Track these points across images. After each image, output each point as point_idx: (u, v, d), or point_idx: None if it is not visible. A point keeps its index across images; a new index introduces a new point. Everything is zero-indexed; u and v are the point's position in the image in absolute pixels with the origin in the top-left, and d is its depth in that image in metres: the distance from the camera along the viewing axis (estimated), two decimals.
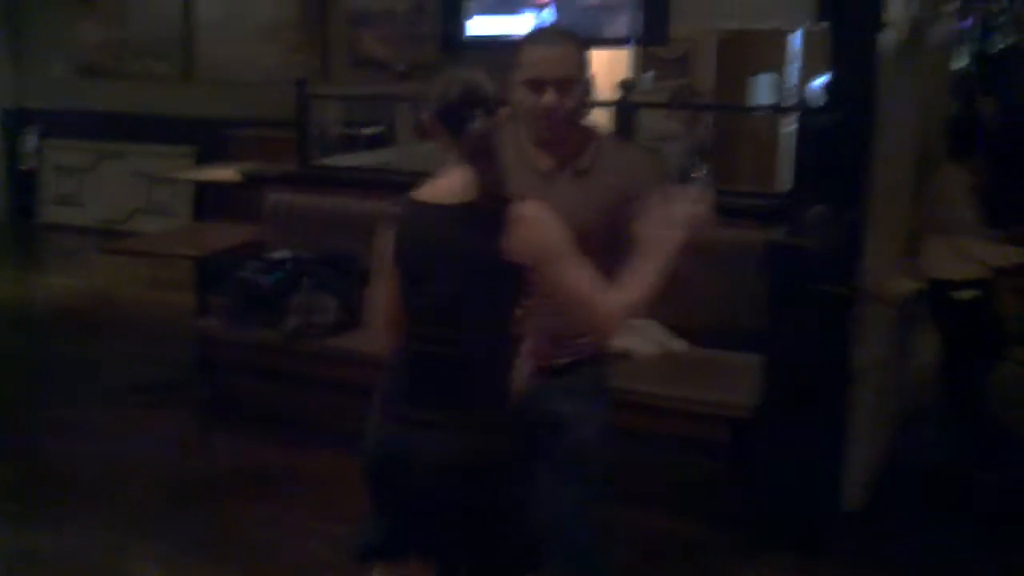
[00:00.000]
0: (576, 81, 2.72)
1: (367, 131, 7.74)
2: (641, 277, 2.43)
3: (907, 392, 5.15)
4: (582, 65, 2.75)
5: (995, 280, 4.68)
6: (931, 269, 4.63)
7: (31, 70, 10.17)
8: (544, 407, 2.79)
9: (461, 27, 7.52)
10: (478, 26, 7.48)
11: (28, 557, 3.96)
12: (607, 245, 2.64)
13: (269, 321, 4.93)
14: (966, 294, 4.56)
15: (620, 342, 4.00)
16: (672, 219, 2.46)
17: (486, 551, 2.53)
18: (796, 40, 7.35)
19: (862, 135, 3.89)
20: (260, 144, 7.82)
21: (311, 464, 4.65)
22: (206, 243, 5.74)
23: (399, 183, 2.50)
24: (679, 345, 4.43)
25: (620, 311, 2.43)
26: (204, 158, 8.76)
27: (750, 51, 7.57)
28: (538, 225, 2.37)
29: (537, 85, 2.68)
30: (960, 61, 7.57)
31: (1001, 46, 9.09)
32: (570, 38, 2.77)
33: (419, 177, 2.51)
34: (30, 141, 10.11)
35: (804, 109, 4.87)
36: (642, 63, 7.44)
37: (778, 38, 7.32)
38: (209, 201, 8.13)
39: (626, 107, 5.20)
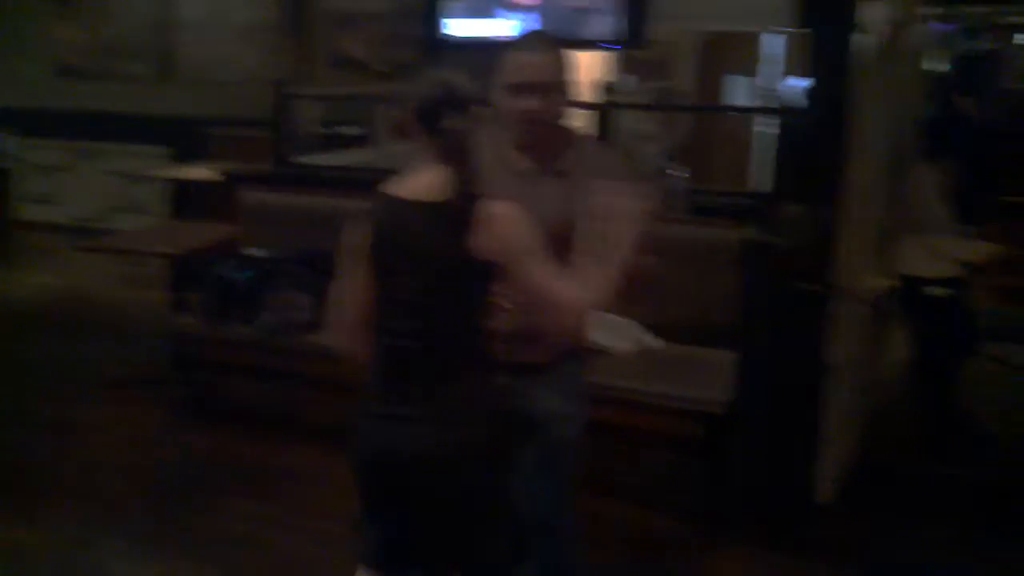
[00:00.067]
0: (557, 86, 2.74)
1: (346, 131, 7.74)
2: (598, 271, 2.44)
3: (879, 388, 5.19)
4: (564, 70, 2.77)
5: (968, 278, 4.74)
6: (904, 267, 4.68)
7: (8, 70, 10.13)
8: (524, 404, 2.81)
9: (441, 29, 7.52)
10: (458, 28, 7.49)
11: (6, 552, 3.94)
12: None
13: (245, 318, 4.94)
14: (939, 291, 4.61)
15: (597, 339, 4.02)
16: (619, 213, 2.48)
17: (472, 548, 2.54)
18: (771, 43, 7.40)
19: (837, 136, 3.93)
20: (237, 144, 7.80)
21: (289, 460, 4.65)
22: (182, 242, 5.73)
23: (376, 183, 2.52)
24: (655, 342, 4.45)
25: (582, 307, 2.45)
26: (181, 157, 8.74)
27: (727, 53, 7.61)
28: (507, 224, 2.40)
29: (519, 90, 2.71)
30: (940, 63, 7.65)
31: (979, 50, 9.18)
32: (553, 44, 2.80)
33: (397, 177, 2.53)
34: (8, 140, 10.06)
35: (781, 110, 4.91)
36: (622, 65, 7.47)
37: (754, 41, 7.37)
38: (186, 200, 8.10)
39: (606, 108, 5.22)
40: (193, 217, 7.30)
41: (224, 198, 6.04)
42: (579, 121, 4.73)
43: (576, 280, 2.43)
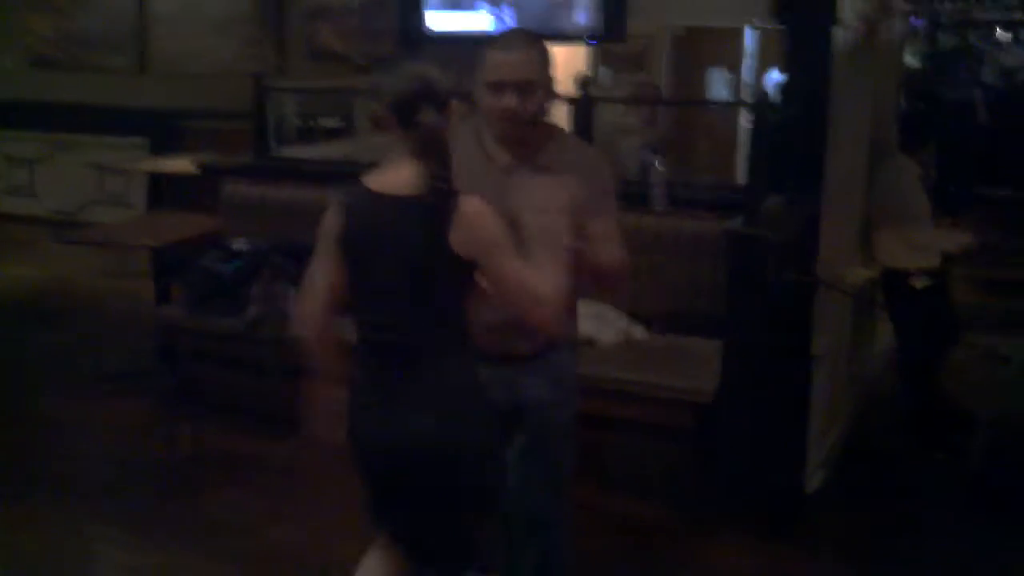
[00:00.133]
0: (536, 84, 2.75)
1: (325, 123, 7.73)
2: (548, 264, 2.45)
3: (864, 377, 5.26)
4: (543, 68, 2.78)
5: (947, 268, 4.81)
6: (884, 258, 4.75)
7: None
8: (513, 393, 2.83)
9: (419, 22, 7.53)
10: (436, 21, 7.50)
11: None
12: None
13: (230, 310, 4.95)
14: (920, 282, 4.67)
15: (583, 329, 4.05)
16: (546, 205, 2.51)
17: (464, 534, 2.58)
18: (754, 38, 7.45)
19: (816, 129, 3.98)
20: (215, 136, 7.80)
21: (275, 451, 4.66)
22: (164, 233, 5.74)
23: (356, 175, 2.54)
24: (640, 332, 4.49)
25: (552, 299, 2.45)
26: (157, 149, 8.71)
27: (706, 48, 7.66)
28: (478, 220, 2.41)
29: (498, 87, 2.72)
30: (917, 58, 7.75)
31: (957, 45, 9.31)
32: (532, 42, 2.81)
33: (374, 170, 2.55)
34: None
35: (760, 104, 4.96)
36: (599, 59, 7.50)
37: (733, 35, 7.41)
38: (164, 192, 8.08)
39: (585, 102, 5.25)
40: (171, 209, 7.29)
41: (202, 190, 6.05)
42: (559, 115, 4.76)
43: (541, 273, 2.44)
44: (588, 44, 7.03)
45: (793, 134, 4.02)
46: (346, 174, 2.62)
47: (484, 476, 2.56)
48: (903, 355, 4.98)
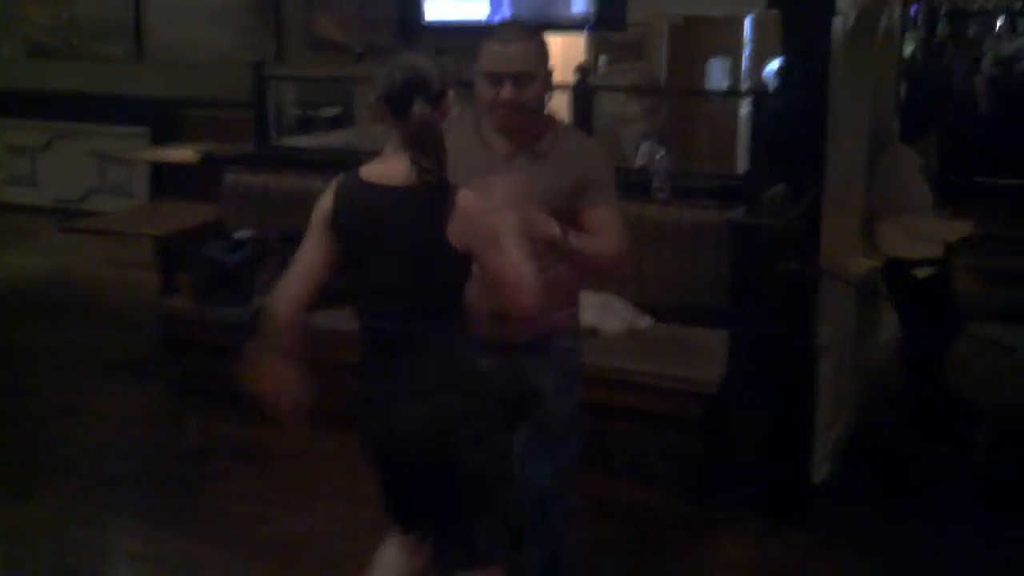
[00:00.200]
0: (534, 76, 2.77)
1: (326, 112, 7.74)
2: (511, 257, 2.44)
3: (869, 368, 5.28)
4: (540, 60, 2.81)
5: (949, 258, 4.83)
6: (887, 248, 4.77)
7: None
8: (517, 382, 2.87)
9: (418, 11, 7.54)
10: (434, 10, 7.51)
11: (9, 534, 3.98)
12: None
13: (235, 300, 4.96)
14: (922, 272, 4.70)
15: (587, 319, 4.08)
16: (495, 201, 2.51)
17: (472, 516, 2.61)
18: (750, 25, 7.45)
19: (816, 118, 4.00)
20: (214, 124, 7.81)
21: (284, 440, 4.65)
22: (167, 223, 5.73)
23: (357, 163, 2.56)
24: (644, 322, 4.52)
25: (533, 291, 2.43)
26: (158, 138, 8.71)
27: (705, 36, 7.65)
28: (476, 214, 2.42)
29: (495, 79, 2.75)
30: (907, 47, 7.76)
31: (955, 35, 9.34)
32: (529, 34, 2.83)
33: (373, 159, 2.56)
34: None
35: (759, 93, 4.97)
36: (597, 48, 7.50)
37: (733, 24, 7.41)
38: (165, 181, 8.09)
39: (584, 91, 5.26)
40: (172, 198, 7.31)
41: (204, 179, 6.06)
42: (559, 104, 4.77)
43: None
44: (587, 32, 7.05)
45: (793, 123, 4.03)
46: (347, 163, 2.64)
47: (486, 464, 2.58)
48: (908, 345, 5.00)
